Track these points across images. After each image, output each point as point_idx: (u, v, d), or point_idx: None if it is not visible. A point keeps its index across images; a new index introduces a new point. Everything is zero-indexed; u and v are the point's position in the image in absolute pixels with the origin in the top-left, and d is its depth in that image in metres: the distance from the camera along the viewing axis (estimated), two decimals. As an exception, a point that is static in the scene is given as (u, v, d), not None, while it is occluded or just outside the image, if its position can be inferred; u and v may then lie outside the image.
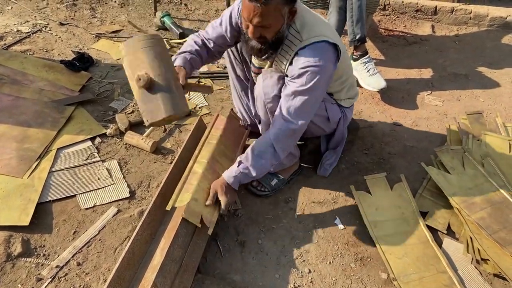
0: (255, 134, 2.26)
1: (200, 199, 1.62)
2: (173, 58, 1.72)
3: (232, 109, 2.20)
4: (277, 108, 1.70)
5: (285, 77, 1.69)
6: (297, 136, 1.75)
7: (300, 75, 1.60)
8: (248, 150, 1.75)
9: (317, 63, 1.58)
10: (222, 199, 1.67)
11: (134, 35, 3.07)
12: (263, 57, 1.72)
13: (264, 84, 1.73)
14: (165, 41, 1.48)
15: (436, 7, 3.73)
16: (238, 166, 1.73)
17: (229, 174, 1.73)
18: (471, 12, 3.74)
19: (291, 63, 1.65)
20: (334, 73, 1.72)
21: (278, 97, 1.71)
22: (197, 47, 1.84)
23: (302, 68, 1.59)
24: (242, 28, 1.68)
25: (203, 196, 1.64)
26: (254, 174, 1.73)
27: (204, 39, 1.87)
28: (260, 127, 2.08)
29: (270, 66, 1.78)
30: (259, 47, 1.62)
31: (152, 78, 1.34)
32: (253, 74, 1.98)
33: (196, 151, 1.80)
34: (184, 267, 1.50)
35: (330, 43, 1.62)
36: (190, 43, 1.86)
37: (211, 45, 1.87)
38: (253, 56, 1.85)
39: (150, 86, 1.34)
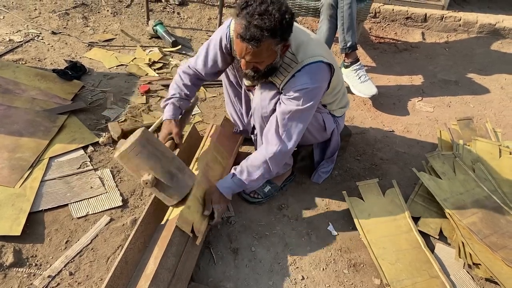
0: (246, 140, 2.27)
1: (193, 206, 1.61)
2: (162, 104, 1.85)
3: (225, 116, 2.20)
4: (272, 124, 1.70)
5: (280, 94, 1.70)
6: (290, 153, 1.79)
7: (296, 97, 1.62)
8: (243, 164, 1.77)
9: (313, 85, 1.62)
10: (216, 208, 1.69)
11: (126, 43, 3.08)
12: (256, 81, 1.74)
13: (262, 97, 1.74)
14: (149, 132, 1.53)
15: (426, 14, 3.78)
16: (232, 178, 1.75)
17: (223, 184, 1.75)
18: (460, 19, 3.80)
19: (286, 83, 1.66)
20: (327, 88, 1.75)
21: (274, 110, 1.72)
22: (184, 89, 1.87)
23: (299, 90, 1.61)
24: (235, 55, 1.69)
25: (195, 204, 1.63)
26: (247, 186, 1.80)
27: (196, 71, 1.88)
28: (253, 137, 2.09)
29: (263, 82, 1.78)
30: (252, 74, 1.64)
31: (155, 177, 1.48)
32: (244, 88, 2.00)
33: (192, 163, 1.79)
34: (177, 276, 1.49)
35: (325, 62, 1.64)
36: (178, 83, 1.88)
37: (202, 74, 1.88)
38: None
39: (156, 184, 1.50)
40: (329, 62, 1.65)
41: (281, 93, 1.69)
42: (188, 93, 1.88)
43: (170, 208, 1.61)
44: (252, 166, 1.75)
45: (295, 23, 1.68)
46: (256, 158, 1.75)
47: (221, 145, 1.96)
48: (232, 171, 1.78)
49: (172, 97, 1.86)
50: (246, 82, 1.86)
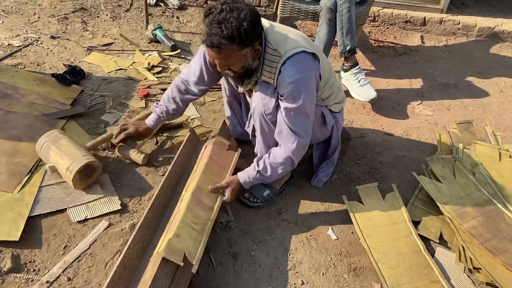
0: (244, 142, 2.26)
1: (184, 233, 1.55)
2: (152, 107, 2.11)
3: (224, 120, 2.20)
4: (282, 124, 1.74)
5: (277, 92, 1.72)
6: (308, 144, 1.85)
7: (291, 93, 1.65)
8: (266, 161, 1.83)
9: (301, 75, 1.64)
10: (230, 195, 1.81)
11: (125, 48, 3.08)
12: (244, 83, 1.78)
13: (262, 96, 1.75)
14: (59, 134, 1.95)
15: (425, 18, 3.79)
16: (256, 174, 1.84)
17: (245, 179, 1.86)
18: (459, 22, 3.81)
19: (277, 79, 1.68)
20: (320, 78, 1.77)
21: (277, 107, 1.73)
22: (172, 104, 2.04)
23: (289, 83, 1.64)
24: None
25: (187, 230, 1.57)
26: (269, 181, 1.92)
27: (186, 84, 2.01)
28: (253, 138, 2.09)
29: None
30: (231, 75, 1.70)
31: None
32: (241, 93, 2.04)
33: (184, 191, 1.77)
34: (176, 281, 1.48)
35: (308, 52, 1.66)
36: (169, 95, 2.04)
37: (191, 86, 2.00)
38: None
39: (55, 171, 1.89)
40: (312, 51, 1.67)
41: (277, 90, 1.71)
42: (175, 107, 2.04)
43: (161, 240, 1.55)
44: (276, 162, 1.82)
45: (273, 23, 1.74)
46: (279, 154, 1.81)
47: (215, 165, 1.91)
48: (256, 167, 1.84)
49: (159, 107, 2.06)
50: (240, 89, 1.90)
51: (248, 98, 2.01)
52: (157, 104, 2.09)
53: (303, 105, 1.67)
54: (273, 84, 1.72)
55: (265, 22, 1.69)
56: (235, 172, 1.93)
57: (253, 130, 1.97)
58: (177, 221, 1.57)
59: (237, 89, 1.97)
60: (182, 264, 1.46)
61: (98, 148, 2.13)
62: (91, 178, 1.91)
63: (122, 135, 2.03)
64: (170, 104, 2.04)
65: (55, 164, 1.87)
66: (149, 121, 2.07)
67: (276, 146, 1.85)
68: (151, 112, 2.12)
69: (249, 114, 1.98)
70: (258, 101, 1.77)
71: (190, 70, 1.97)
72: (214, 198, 1.78)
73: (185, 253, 1.48)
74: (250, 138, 2.12)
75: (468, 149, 2.38)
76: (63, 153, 1.86)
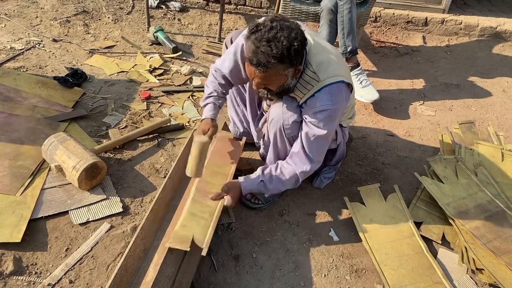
0: (247, 144, 2.26)
1: (191, 222, 1.55)
2: (202, 103, 1.88)
3: (225, 122, 2.20)
4: (297, 145, 1.74)
5: (301, 107, 1.71)
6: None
7: (318, 120, 1.64)
8: (272, 173, 1.80)
9: (333, 106, 1.63)
10: (230, 202, 1.71)
11: (127, 50, 3.09)
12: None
13: (284, 109, 1.72)
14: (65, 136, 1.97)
15: (426, 18, 3.78)
16: (258, 183, 1.79)
17: (246, 185, 1.79)
18: (461, 22, 3.79)
19: (306, 100, 1.67)
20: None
21: (297, 123, 1.72)
22: (220, 88, 1.88)
23: (320, 112, 1.63)
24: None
25: (194, 219, 1.57)
26: (269, 192, 1.84)
27: (223, 74, 1.87)
28: (257, 143, 2.09)
29: None
30: (265, 94, 1.68)
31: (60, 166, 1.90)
32: (265, 106, 2.01)
33: (190, 185, 1.79)
34: (177, 283, 1.48)
35: (345, 82, 1.65)
36: (213, 81, 1.89)
37: (229, 79, 1.89)
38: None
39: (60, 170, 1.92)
40: (349, 81, 1.67)
41: (301, 107, 1.70)
42: (224, 91, 1.90)
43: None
44: (282, 177, 1.79)
45: (318, 40, 1.69)
46: (287, 171, 1.78)
47: (219, 156, 1.92)
48: (261, 177, 1.80)
49: (211, 96, 1.88)
50: (264, 106, 1.93)
51: (264, 104, 2.00)
52: (204, 99, 1.90)
53: (327, 134, 1.68)
54: (298, 101, 1.71)
55: (308, 37, 1.61)
56: (235, 175, 1.91)
57: (263, 134, 1.97)
58: (183, 214, 1.58)
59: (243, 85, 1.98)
60: (188, 249, 1.44)
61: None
62: (95, 180, 1.92)
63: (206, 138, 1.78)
64: (218, 88, 1.88)
65: (61, 164, 1.88)
66: (208, 114, 1.84)
67: (286, 157, 1.84)
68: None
69: (262, 119, 1.98)
70: (279, 114, 1.74)
71: (225, 63, 1.84)
72: (220, 186, 1.75)
73: (193, 240, 1.48)
74: (256, 140, 2.12)
75: (471, 150, 2.36)
76: (70, 153, 1.87)
